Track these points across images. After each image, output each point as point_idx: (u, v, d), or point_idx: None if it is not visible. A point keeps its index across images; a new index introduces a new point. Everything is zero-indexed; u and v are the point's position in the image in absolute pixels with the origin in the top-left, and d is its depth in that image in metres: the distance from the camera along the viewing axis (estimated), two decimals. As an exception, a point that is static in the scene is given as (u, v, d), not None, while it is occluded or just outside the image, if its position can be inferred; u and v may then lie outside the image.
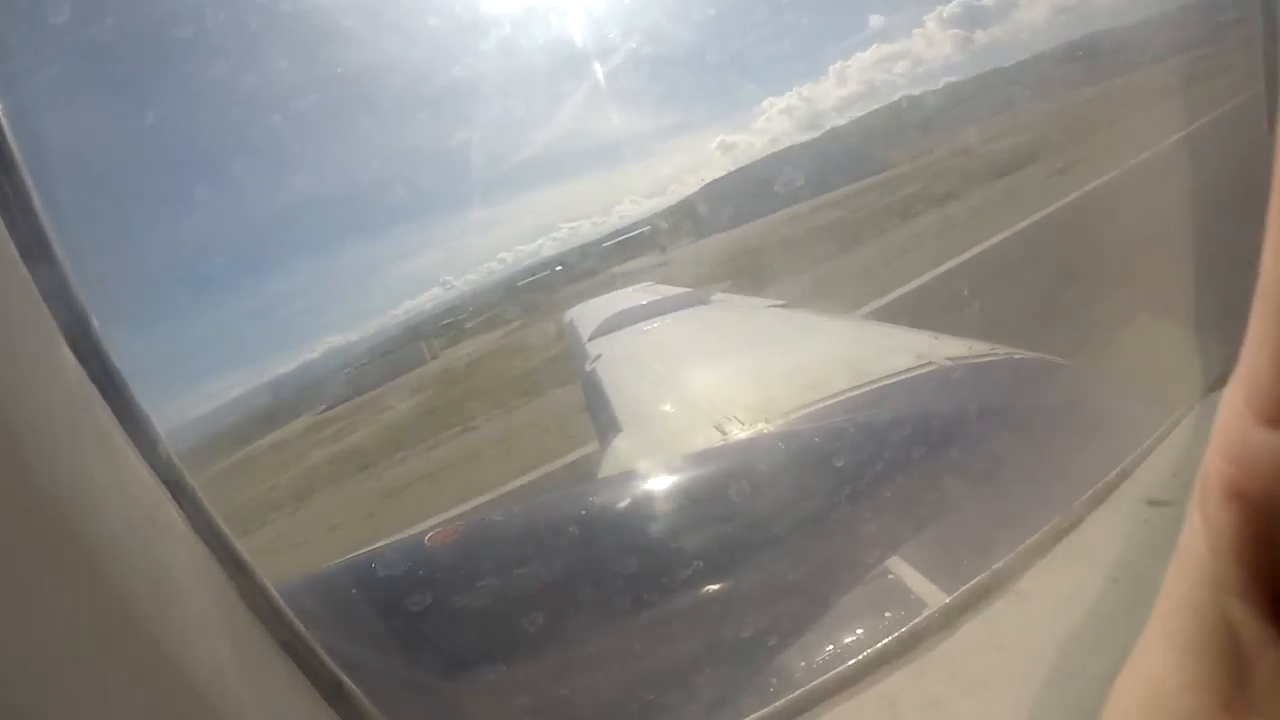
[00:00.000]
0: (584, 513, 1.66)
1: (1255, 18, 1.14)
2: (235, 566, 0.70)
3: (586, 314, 5.63)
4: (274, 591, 0.73)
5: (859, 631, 1.26)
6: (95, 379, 0.61)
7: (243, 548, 0.71)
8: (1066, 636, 1.03)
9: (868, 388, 2.10)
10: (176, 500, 0.66)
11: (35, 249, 0.59)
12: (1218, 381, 1.29)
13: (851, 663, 1.13)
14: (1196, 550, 0.24)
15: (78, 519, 0.55)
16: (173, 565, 0.64)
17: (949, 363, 2.09)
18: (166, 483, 0.66)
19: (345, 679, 0.79)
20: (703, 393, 2.68)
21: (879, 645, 1.14)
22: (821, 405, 2.06)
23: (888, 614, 1.27)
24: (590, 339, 4.50)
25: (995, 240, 9.45)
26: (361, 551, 1.70)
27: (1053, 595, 1.11)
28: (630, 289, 7.60)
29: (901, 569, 1.37)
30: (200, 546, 0.68)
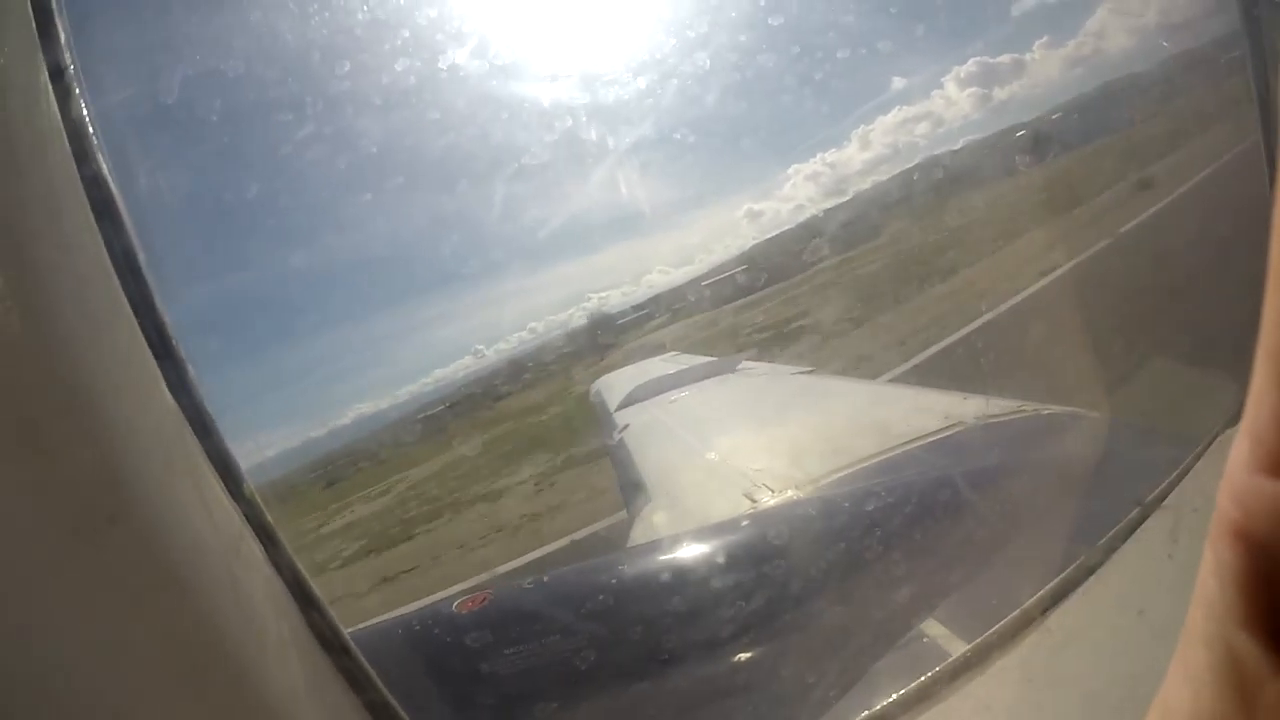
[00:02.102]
0: (613, 582, 1.66)
1: (1247, 65, 1.19)
2: (308, 602, 0.74)
3: (613, 384, 5.63)
4: (343, 629, 0.77)
5: (892, 696, 1.26)
6: (189, 419, 0.66)
7: (315, 584, 0.75)
8: (1094, 669, 1.03)
9: (897, 451, 2.11)
10: (258, 535, 0.71)
11: (140, 299, 0.65)
12: (1232, 419, 1.31)
13: (886, 702, 1.13)
14: (1209, 586, 0.26)
15: (172, 546, 0.60)
16: (254, 597, 0.68)
17: (976, 422, 2.10)
18: (249, 518, 0.70)
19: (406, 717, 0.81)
20: (731, 461, 2.69)
21: (913, 684, 1.14)
22: (851, 470, 2.06)
23: (923, 679, 1.26)
24: (617, 409, 4.51)
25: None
26: (385, 617, 1.70)
27: (1080, 630, 1.12)
28: (656, 359, 7.62)
29: (935, 630, 1.37)
30: (277, 581, 0.72)
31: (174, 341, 0.67)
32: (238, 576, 0.66)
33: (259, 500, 0.71)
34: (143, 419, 0.62)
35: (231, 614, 0.63)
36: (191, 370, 0.68)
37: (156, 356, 0.65)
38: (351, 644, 0.77)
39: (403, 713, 0.81)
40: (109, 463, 0.57)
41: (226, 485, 0.69)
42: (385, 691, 0.80)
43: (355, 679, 0.78)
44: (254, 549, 0.70)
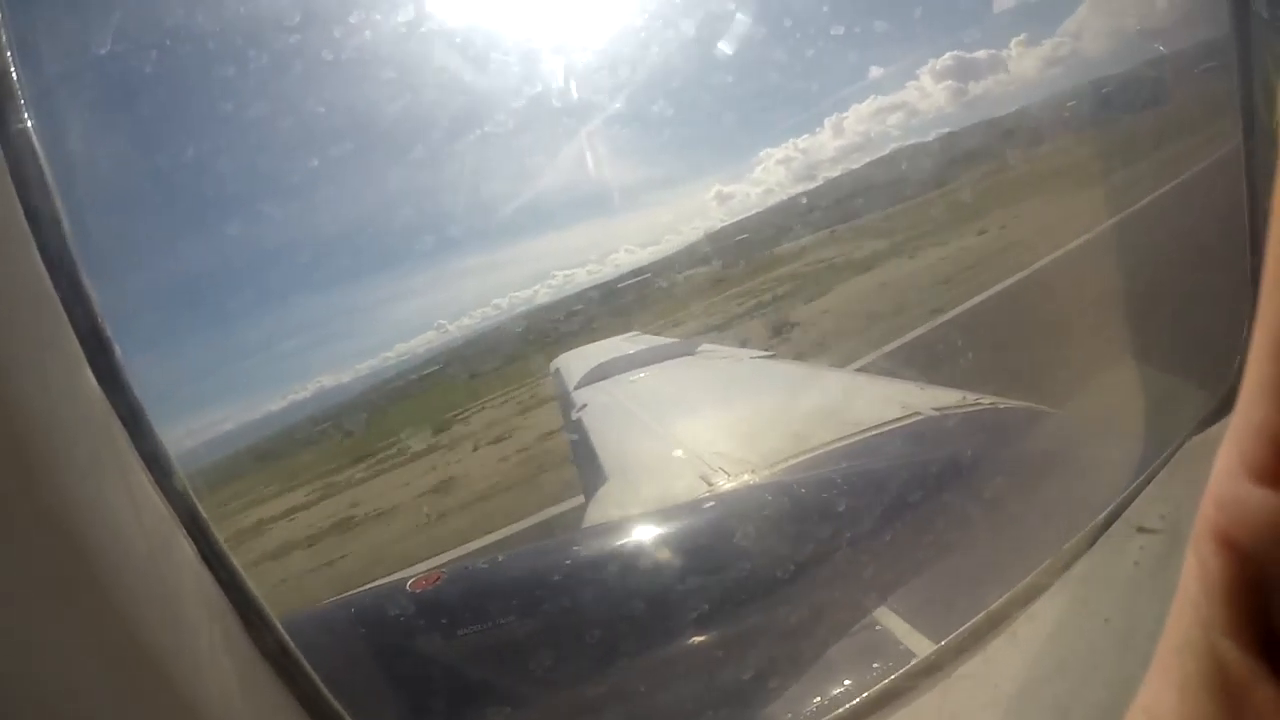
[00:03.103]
0: (567, 562, 1.65)
1: (1232, 69, 1.20)
2: (243, 601, 0.70)
3: (573, 363, 5.61)
4: (281, 629, 0.73)
5: (847, 683, 1.26)
6: (116, 408, 0.61)
7: (251, 582, 0.71)
8: (1060, 675, 1.04)
9: (854, 439, 2.11)
10: (189, 532, 0.66)
11: (66, 278, 0.60)
12: (1202, 423, 1.33)
13: (849, 705, 1.13)
14: (1192, 591, 0.26)
15: (95, 545, 0.55)
16: (184, 597, 0.64)
17: (935, 413, 2.11)
18: (179, 514, 0.66)
19: (347, 717, 0.78)
20: (689, 444, 2.68)
21: (877, 687, 1.14)
22: (808, 456, 2.07)
23: (875, 665, 1.27)
24: (576, 388, 4.50)
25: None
26: (339, 596, 1.68)
27: (1045, 634, 1.13)
28: (617, 338, 7.60)
29: (889, 620, 1.37)
30: (210, 579, 0.68)
31: (100, 321, 0.62)
32: (166, 576, 0.62)
33: (191, 494, 0.67)
34: (65, 407, 0.57)
35: (160, 617, 0.59)
36: (119, 353, 0.62)
37: (80, 338, 0.60)
38: (290, 644, 0.73)
39: (345, 715, 0.78)
40: (28, 454, 0.53)
41: (156, 479, 0.64)
42: (326, 693, 0.77)
43: (295, 681, 0.74)
44: (185, 547, 0.66)
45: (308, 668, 0.75)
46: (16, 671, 0.54)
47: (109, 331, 0.63)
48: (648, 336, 7.41)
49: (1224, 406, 1.29)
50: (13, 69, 0.62)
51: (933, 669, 1.13)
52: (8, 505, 0.52)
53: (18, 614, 0.53)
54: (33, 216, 0.59)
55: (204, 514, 0.68)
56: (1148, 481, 1.30)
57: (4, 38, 0.62)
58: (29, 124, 0.62)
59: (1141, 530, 1.20)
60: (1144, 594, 1.08)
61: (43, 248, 0.59)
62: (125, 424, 0.62)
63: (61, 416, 0.56)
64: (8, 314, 0.54)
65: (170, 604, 0.61)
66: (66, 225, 0.62)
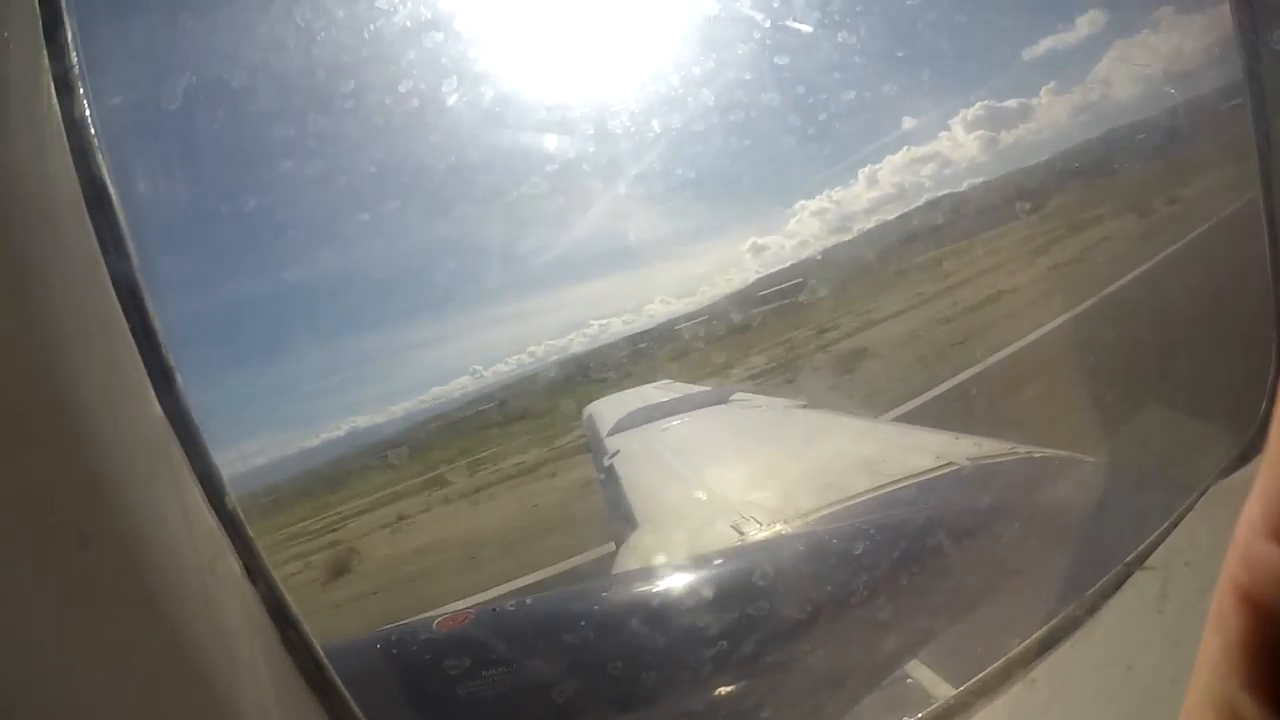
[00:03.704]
0: (596, 608, 1.65)
1: (1247, 114, 1.20)
2: (285, 621, 0.73)
3: (606, 410, 5.63)
4: (320, 650, 0.75)
5: None
6: (176, 427, 0.66)
7: (294, 603, 0.73)
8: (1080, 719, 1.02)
9: (887, 489, 2.10)
10: (237, 550, 0.70)
11: (133, 304, 0.64)
12: (1227, 469, 1.30)
13: None
14: (1214, 646, 0.26)
15: (147, 554, 0.59)
16: (229, 613, 0.67)
17: (968, 463, 2.10)
18: (229, 533, 0.69)
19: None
20: (720, 492, 2.68)
21: None
22: (841, 506, 2.06)
23: (898, 710, 1.25)
24: (609, 435, 4.51)
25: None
26: (368, 633, 1.69)
27: (1066, 683, 1.11)
28: (650, 386, 7.60)
29: (920, 672, 1.36)
30: (254, 598, 0.71)
31: (164, 348, 0.66)
32: (212, 589, 0.65)
33: (240, 513, 0.70)
34: (129, 425, 0.61)
35: (204, 627, 0.62)
36: (180, 379, 0.67)
37: (146, 363, 0.64)
38: (325, 662, 0.76)
39: (376, 734, 0.80)
40: (92, 467, 0.57)
41: (209, 497, 0.68)
42: (358, 711, 0.79)
43: (328, 698, 0.77)
44: (232, 563, 0.69)
45: (340, 685, 0.77)
46: (62, 679, 0.57)
47: (172, 360, 0.67)
48: (681, 384, 7.40)
49: (1249, 452, 1.27)
50: (90, 117, 0.67)
51: (953, 713, 1.12)
52: (69, 511, 0.56)
53: (70, 620, 0.57)
54: (106, 252, 0.64)
55: (250, 533, 0.71)
56: (1173, 527, 1.28)
57: (84, 88, 0.67)
58: (104, 170, 0.67)
59: (1165, 576, 1.18)
60: (1167, 641, 1.06)
61: (114, 279, 0.64)
62: (183, 443, 0.66)
63: (125, 433, 0.60)
64: (84, 339, 0.59)
65: (214, 615, 0.64)
66: (135, 260, 0.67)
